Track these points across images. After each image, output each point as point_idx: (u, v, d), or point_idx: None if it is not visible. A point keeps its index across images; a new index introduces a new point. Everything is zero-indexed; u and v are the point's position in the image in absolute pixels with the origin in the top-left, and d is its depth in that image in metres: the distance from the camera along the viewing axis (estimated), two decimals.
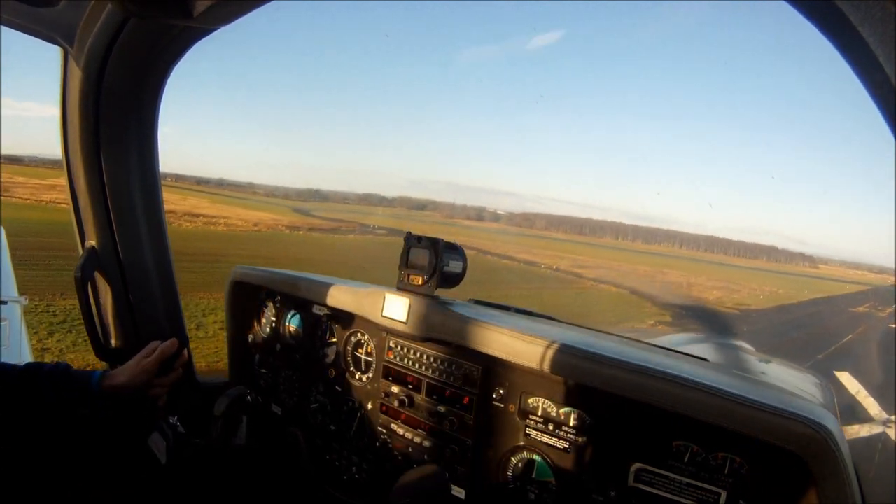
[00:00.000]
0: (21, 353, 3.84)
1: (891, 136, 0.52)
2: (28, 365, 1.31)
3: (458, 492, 1.31)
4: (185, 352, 1.52)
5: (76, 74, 1.43)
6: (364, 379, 1.56)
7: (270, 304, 1.85)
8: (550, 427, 1.18)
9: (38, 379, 1.26)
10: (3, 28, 1.30)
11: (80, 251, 1.61)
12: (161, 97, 1.56)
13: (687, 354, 1.38)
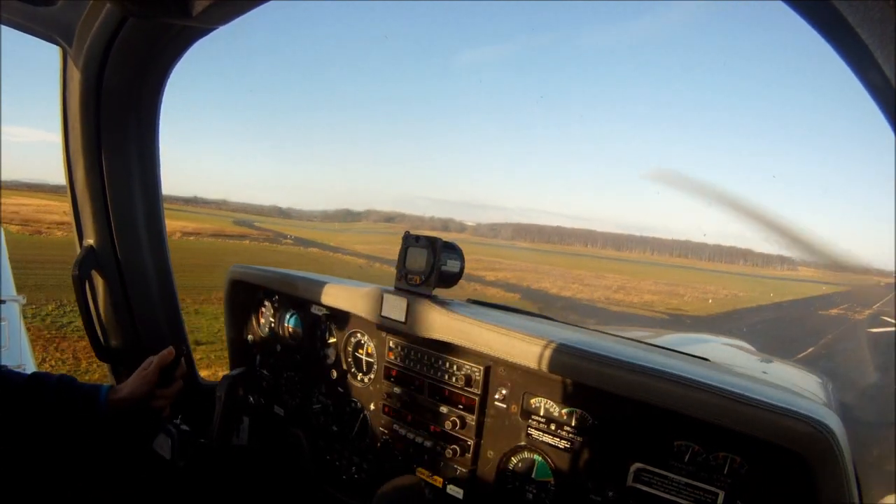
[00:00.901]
0: (21, 352, 3.84)
1: (892, 136, 0.52)
2: (34, 375, 1.32)
3: (457, 492, 1.31)
4: (183, 361, 1.52)
5: (75, 74, 1.42)
6: (366, 380, 1.55)
7: (268, 304, 1.85)
8: (552, 427, 1.18)
9: (45, 391, 1.27)
10: (4, 28, 1.31)
11: (79, 249, 1.61)
12: (161, 97, 1.56)
13: (688, 354, 1.38)
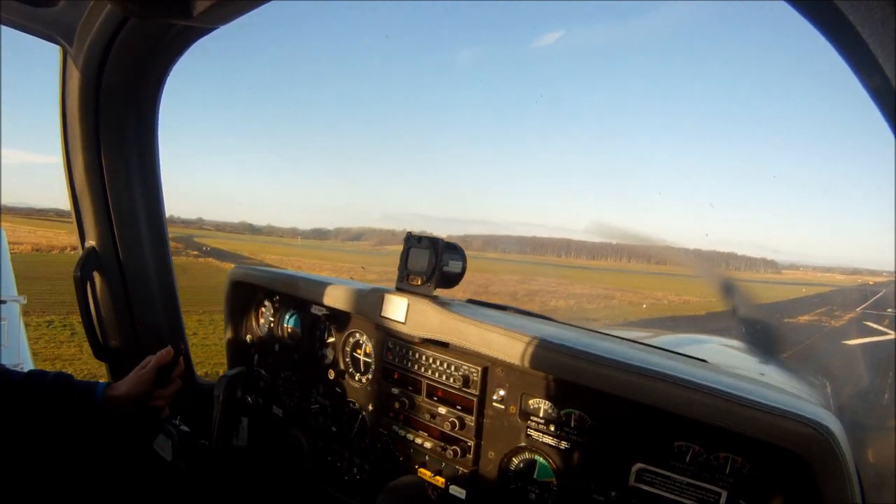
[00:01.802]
0: (20, 352, 3.84)
1: (891, 136, 0.52)
2: (31, 372, 1.31)
3: (459, 492, 1.31)
4: (182, 361, 1.50)
5: (75, 73, 1.43)
6: (364, 380, 1.55)
7: (269, 304, 1.85)
8: (551, 428, 1.18)
9: (41, 388, 1.27)
10: (4, 28, 1.31)
11: (80, 251, 1.61)
12: (161, 96, 1.56)
13: (686, 356, 1.37)
